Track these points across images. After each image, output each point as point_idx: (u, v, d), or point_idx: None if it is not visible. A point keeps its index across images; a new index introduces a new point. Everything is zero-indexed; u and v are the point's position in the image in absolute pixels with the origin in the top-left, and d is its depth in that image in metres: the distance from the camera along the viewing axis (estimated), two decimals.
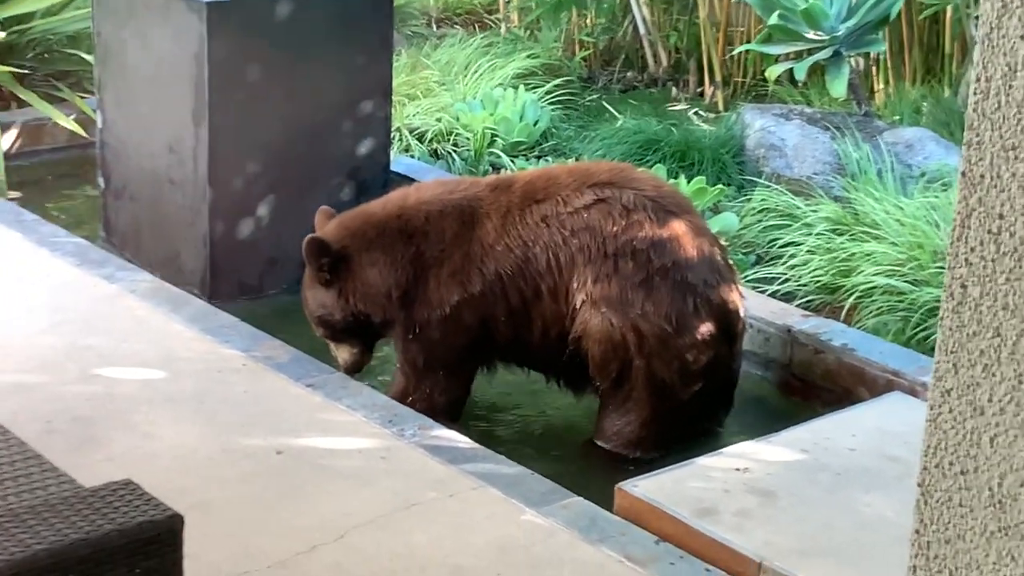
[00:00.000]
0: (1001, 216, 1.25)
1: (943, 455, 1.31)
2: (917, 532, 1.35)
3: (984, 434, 1.29)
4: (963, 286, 1.27)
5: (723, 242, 5.18)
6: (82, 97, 6.25)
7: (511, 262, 4.02)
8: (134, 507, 2.05)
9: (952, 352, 1.29)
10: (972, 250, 1.27)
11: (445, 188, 4.22)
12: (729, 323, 4.05)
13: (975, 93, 1.23)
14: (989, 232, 1.26)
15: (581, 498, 3.50)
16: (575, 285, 3.96)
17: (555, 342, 4.05)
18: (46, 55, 6.74)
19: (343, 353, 4.33)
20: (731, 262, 4.20)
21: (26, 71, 6.46)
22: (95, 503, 2.05)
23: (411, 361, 4.16)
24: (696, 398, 4.03)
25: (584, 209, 3.99)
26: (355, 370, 4.32)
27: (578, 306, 3.96)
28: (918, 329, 4.53)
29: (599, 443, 4.09)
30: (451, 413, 4.17)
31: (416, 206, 4.16)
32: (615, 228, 3.94)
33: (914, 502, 1.36)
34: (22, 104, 6.27)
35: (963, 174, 1.28)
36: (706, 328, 3.98)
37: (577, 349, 4.00)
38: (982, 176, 1.25)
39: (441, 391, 4.15)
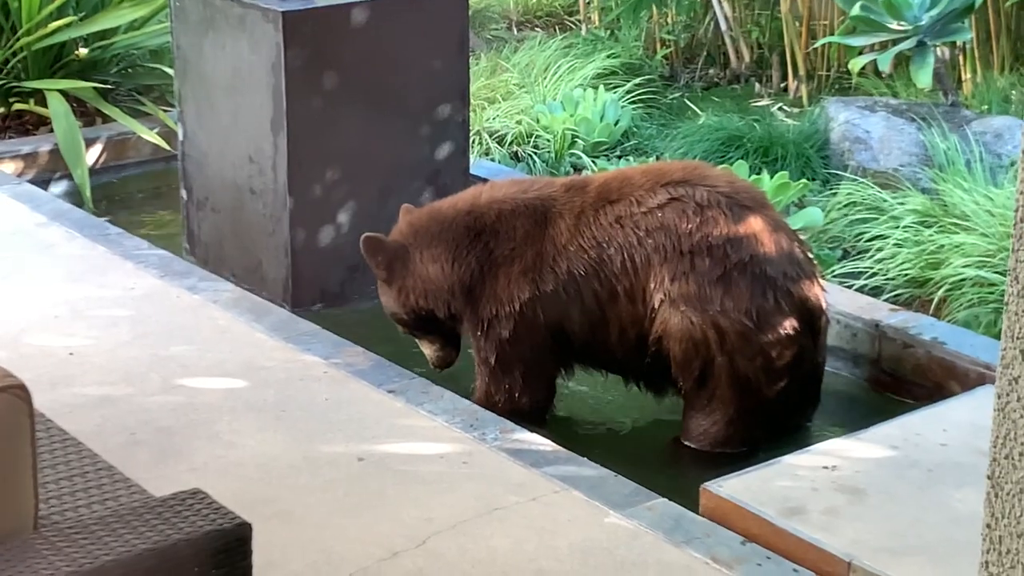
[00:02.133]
0: None
1: (1012, 445, 1.26)
2: (988, 526, 1.29)
3: None
4: None
5: (808, 237, 5.12)
6: (165, 110, 6.31)
7: (585, 262, 3.99)
8: (202, 516, 2.04)
9: (1019, 338, 1.23)
10: None
11: (519, 187, 4.20)
12: (812, 317, 3.99)
13: None
14: None
15: (665, 499, 3.46)
16: (652, 285, 3.92)
17: (634, 344, 4.01)
18: (129, 70, 6.81)
19: (426, 348, 4.35)
20: (811, 256, 4.13)
21: (110, 86, 6.54)
22: (163, 513, 2.04)
23: (484, 360, 4.15)
24: (782, 394, 3.97)
25: (658, 208, 3.95)
26: (442, 365, 4.33)
27: (656, 306, 3.92)
28: None
29: (686, 443, 4.05)
30: (535, 415, 4.14)
31: (488, 204, 4.14)
32: (690, 226, 3.90)
33: (983, 495, 1.31)
34: (107, 119, 6.34)
35: None
36: (788, 322, 3.92)
37: (659, 350, 3.96)
38: None
39: (522, 391, 4.12)
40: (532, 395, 4.14)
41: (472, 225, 4.12)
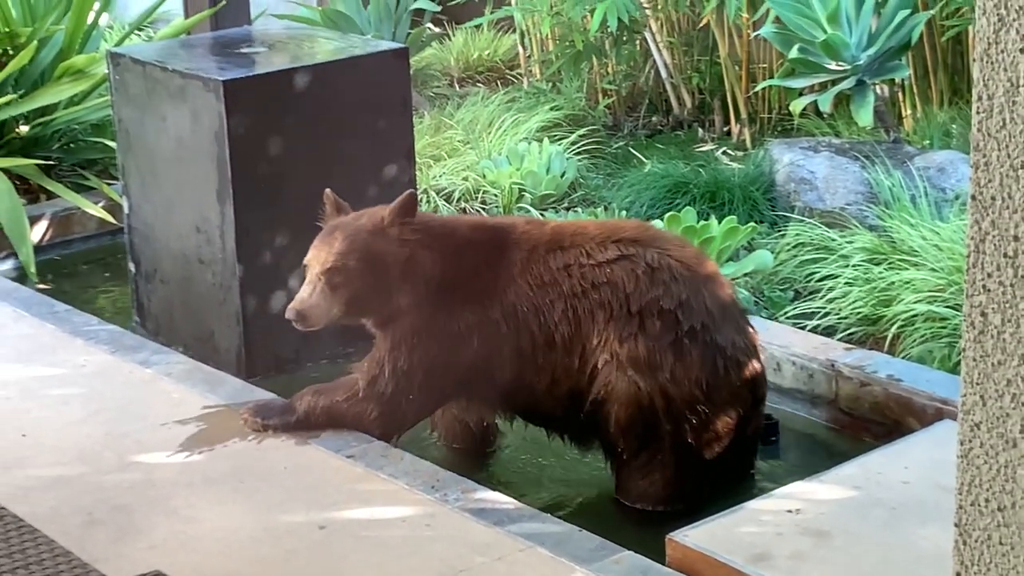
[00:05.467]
0: (1016, 238, 1.19)
1: (978, 492, 1.25)
2: (958, 575, 1.28)
3: (1019, 467, 1.23)
4: (983, 314, 1.21)
5: (759, 279, 5.14)
6: (109, 184, 6.28)
7: (528, 300, 3.96)
8: None
9: (978, 384, 1.23)
10: (989, 276, 1.21)
11: (487, 217, 4.23)
12: (755, 386, 4.02)
13: (978, 112, 1.18)
14: (1005, 256, 1.20)
15: (631, 552, 3.43)
16: (596, 342, 3.88)
17: (565, 396, 3.97)
18: (71, 145, 6.78)
19: (322, 300, 3.96)
20: (753, 329, 4.10)
21: (52, 163, 6.50)
22: None
23: (393, 358, 4.01)
24: (722, 457, 3.97)
25: (608, 264, 3.92)
26: (310, 322, 3.98)
27: (600, 366, 3.88)
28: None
29: (624, 501, 4.02)
30: (396, 427, 4.10)
31: (465, 219, 4.15)
32: (640, 286, 3.87)
33: (948, 534, 1.30)
34: (51, 195, 6.30)
35: (973, 197, 1.22)
36: (735, 392, 3.93)
37: (597, 410, 3.91)
38: (992, 198, 1.20)
39: (413, 403, 4.05)
40: (418, 409, 4.08)
41: (453, 235, 4.08)
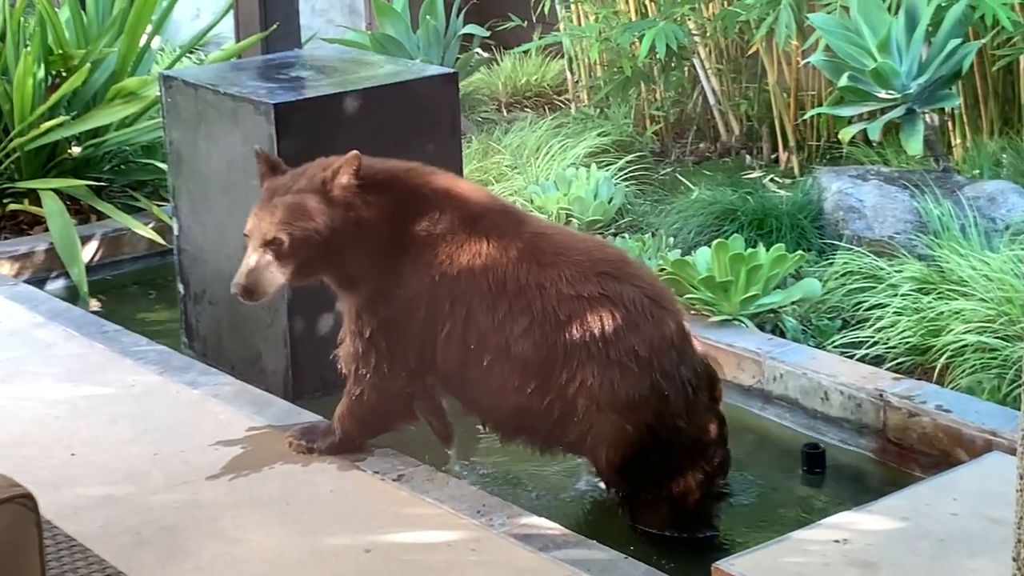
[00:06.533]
0: None
1: None
2: None
3: None
4: None
5: (806, 308, 5.14)
6: (159, 205, 6.34)
7: (483, 297, 3.86)
8: None
9: None
10: None
11: (460, 179, 4.16)
12: (713, 389, 4.03)
13: None
14: None
15: None
16: (564, 377, 3.82)
17: (509, 407, 3.93)
18: (122, 166, 6.84)
19: (267, 272, 3.89)
20: (696, 338, 4.10)
21: (103, 183, 6.57)
22: None
23: (359, 331, 4.00)
24: (714, 467, 3.99)
25: (588, 300, 3.84)
26: (257, 295, 3.92)
27: (581, 411, 3.83)
28: (1014, 386, 4.41)
29: (637, 525, 4.02)
30: (400, 397, 4.08)
31: (424, 174, 4.07)
32: (618, 331, 3.82)
33: (997, 566, 1.29)
34: (101, 216, 6.36)
35: None
36: (708, 406, 3.97)
37: (579, 448, 3.93)
38: None
39: (390, 370, 4.01)
40: (396, 379, 4.03)
41: (413, 198, 3.99)
